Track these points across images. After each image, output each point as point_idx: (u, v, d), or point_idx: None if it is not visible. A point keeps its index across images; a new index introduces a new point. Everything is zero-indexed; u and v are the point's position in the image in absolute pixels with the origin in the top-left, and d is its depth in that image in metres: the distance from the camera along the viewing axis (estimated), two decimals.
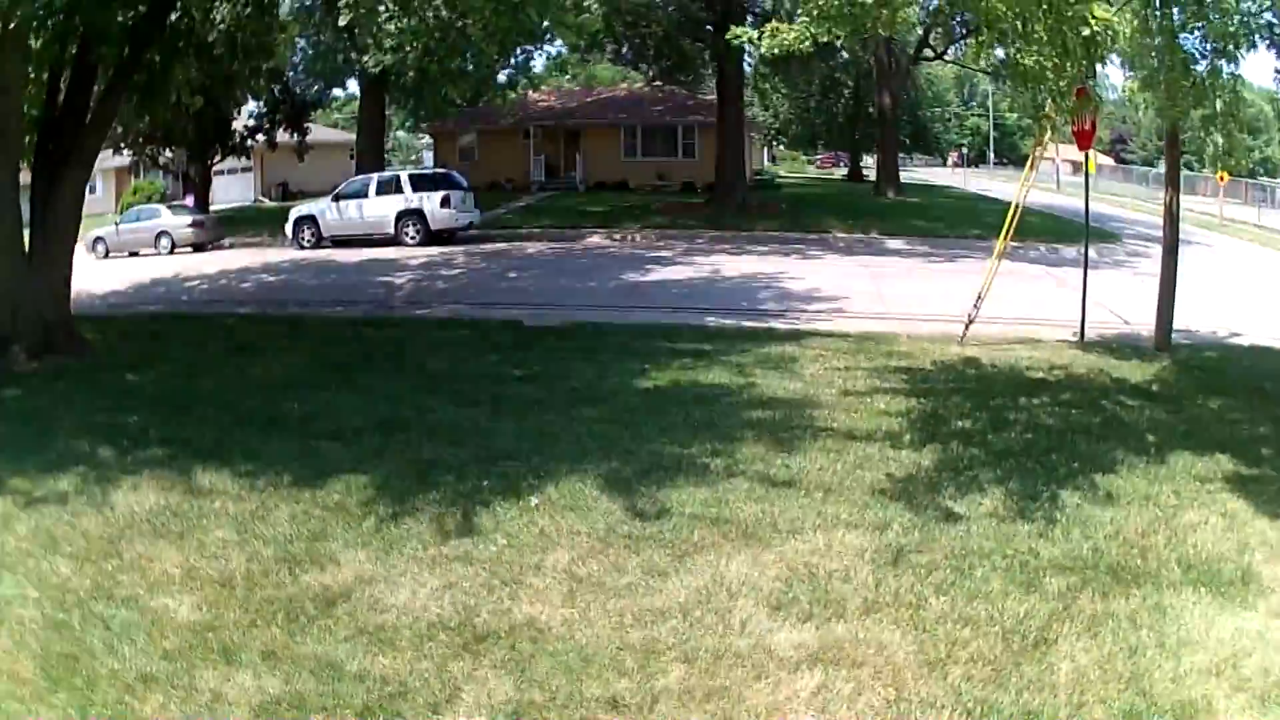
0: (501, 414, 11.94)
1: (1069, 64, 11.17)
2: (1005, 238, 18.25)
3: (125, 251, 38.38)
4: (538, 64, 76.65)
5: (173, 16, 17.55)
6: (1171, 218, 17.69)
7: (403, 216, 34.84)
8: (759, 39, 12.98)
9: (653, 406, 12.36)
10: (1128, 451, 10.88)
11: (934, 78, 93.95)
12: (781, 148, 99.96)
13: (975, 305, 17.68)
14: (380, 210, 35.16)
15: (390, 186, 35.78)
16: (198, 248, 37.66)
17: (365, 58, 34.28)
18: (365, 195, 35.73)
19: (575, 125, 54.60)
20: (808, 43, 12.24)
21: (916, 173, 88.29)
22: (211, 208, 48.74)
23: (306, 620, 7.02)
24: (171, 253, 37.22)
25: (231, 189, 59.79)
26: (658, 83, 50.98)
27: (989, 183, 74.52)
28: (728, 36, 14.56)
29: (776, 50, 12.71)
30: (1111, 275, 26.05)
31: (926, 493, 9.48)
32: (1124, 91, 15.00)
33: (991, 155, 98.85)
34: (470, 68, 34.15)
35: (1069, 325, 18.25)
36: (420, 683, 6.23)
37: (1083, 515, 9.11)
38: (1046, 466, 10.34)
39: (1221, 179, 51.01)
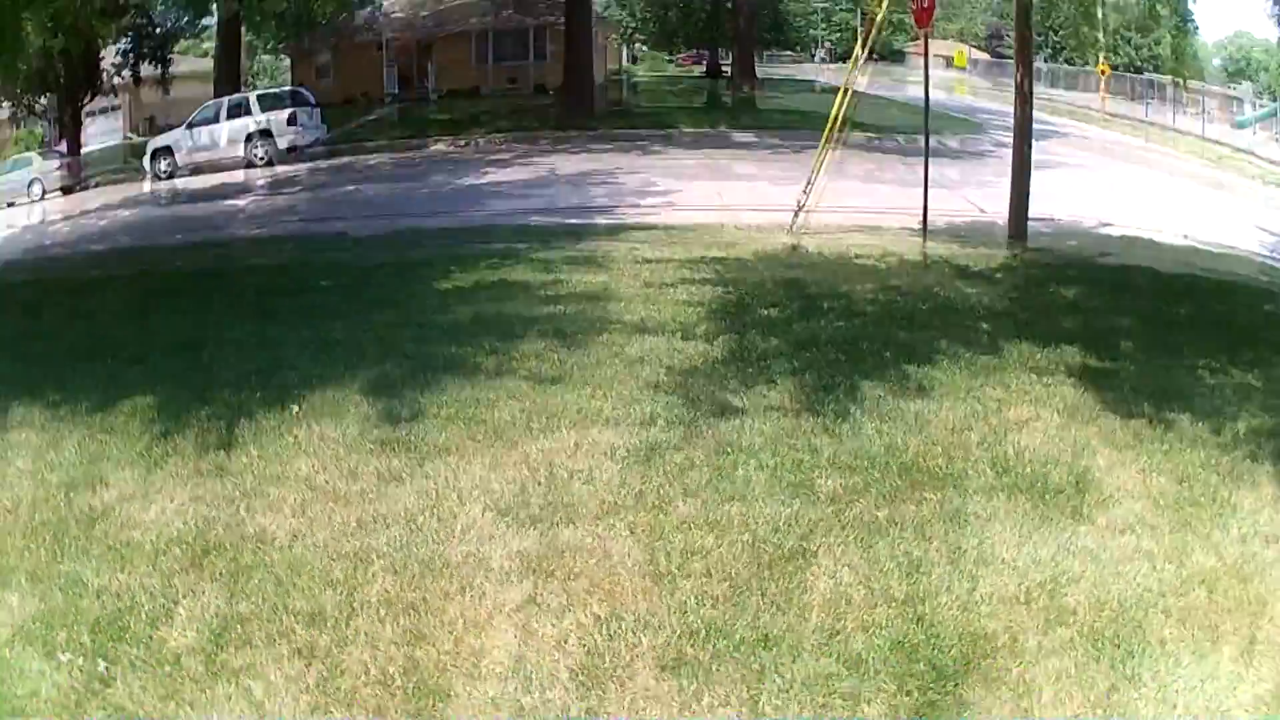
0: (296, 325, 11.42)
1: None
2: (832, 126, 17.59)
3: (3, 203, 36.80)
4: None
5: None
6: (1023, 97, 16.85)
7: (252, 137, 33.91)
8: None
9: (445, 307, 11.87)
10: (954, 341, 9.97)
11: None
12: (645, 48, 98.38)
13: (804, 191, 17.00)
14: (231, 133, 34.28)
15: (240, 109, 34.96)
16: (67, 190, 36.62)
17: None
18: (217, 120, 34.81)
19: (427, 35, 52.62)
20: None
21: (783, 69, 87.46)
22: (84, 149, 46.47)
23: (69, 541, 6.85)
24: (44, 198, 36.02)
25: (102, 128, 55.31)
26: None
27: (854, 77, 73.71)
28: None
29: None
30: (974, 165, 25.79)
31: (705, 386, 8.72)
32: None
33: (859, 50, 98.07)
34: None
35: (918, 215, 17.41)
36: (147, 597, 6.07)
37: (883, 409, 8.17)
38: (853, 356, 9.42)
39: (1103, 72, 50.85)
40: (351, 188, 26.82)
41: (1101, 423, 8.06)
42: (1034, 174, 23.60)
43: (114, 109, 55.94)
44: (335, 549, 6.43)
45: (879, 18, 17.43)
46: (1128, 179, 26.01)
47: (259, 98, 35.77)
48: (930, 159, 26.15)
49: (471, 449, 7.64)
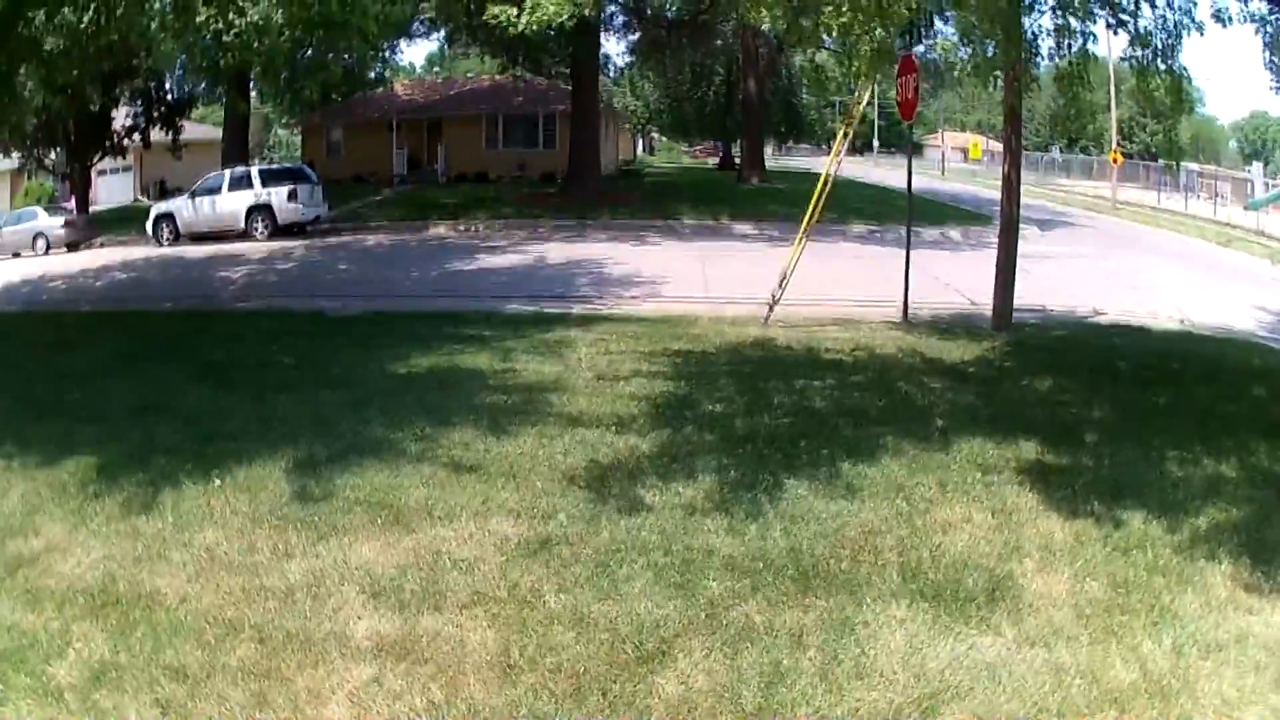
0: (248, 398, 11.78)
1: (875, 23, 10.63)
2: (811, 216, 17.29)
3: (9, 253, 37.80)
4: (416, 56, 75.10)
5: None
6: (1010, 190, 16.62)
7: (253, 211, 34.37)
8: (518, 16, 11.98)
9: (394, 390, 12.01)
10: (903, 437, 9.64)
11: (822, 65, 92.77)
12: (664, 138, 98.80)
13: (780, 285, 16.69)
14: (232, 205, 34.68)
15: (242, 182, 35.24)
16: (72, 247, 37.19)
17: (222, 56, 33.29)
18: (219, 191, 35.20)
19: (437, 117, 53.08)
20: (566, 15, 11.38)
21: (798, 160, 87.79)
22: (94, 207, 48.26)
23: None
24: (47, 253, 36.82)
25: (115, 188, 59.15)
26: (518, 73, 49.77)
27: (868, 169, 73.82)
28: (485, 16, 13.38)
29: (536, 26, 11.79)
30: (972, 257, 25.48)
31: (622, 481, 8.60)
32: (939, 50, 14.21)
33: (876, 142, 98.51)
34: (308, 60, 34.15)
35: (911, 306, 17.14)
36: (46, 637, 6.53)
37: (800, 509, 7.85)
38: (788, 454, 9.12)
39: (1115, 160, 50.62)
40: (344, 267, 26.86)
41: (1040, 524, 7.62)
42: (1034, 264, 23.45)
43: (126, 169, 58.50)
44: (215, 614, 6.67)
45: (858, 110, 17.04)
46: (1130, 266, 25.48)
47: (261, 172, 36.12)
48: (930, 250, 26.01)
49: (367, 532, 7.78)
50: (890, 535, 7.34)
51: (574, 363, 13.14)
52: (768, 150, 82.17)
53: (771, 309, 16.46)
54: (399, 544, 7.55)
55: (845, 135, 17.76)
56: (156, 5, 17.25)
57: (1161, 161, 44.95)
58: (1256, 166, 50.07)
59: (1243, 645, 5.95)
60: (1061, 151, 79.71)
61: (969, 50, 12.52)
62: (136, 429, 10.58)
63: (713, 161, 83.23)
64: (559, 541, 7.42)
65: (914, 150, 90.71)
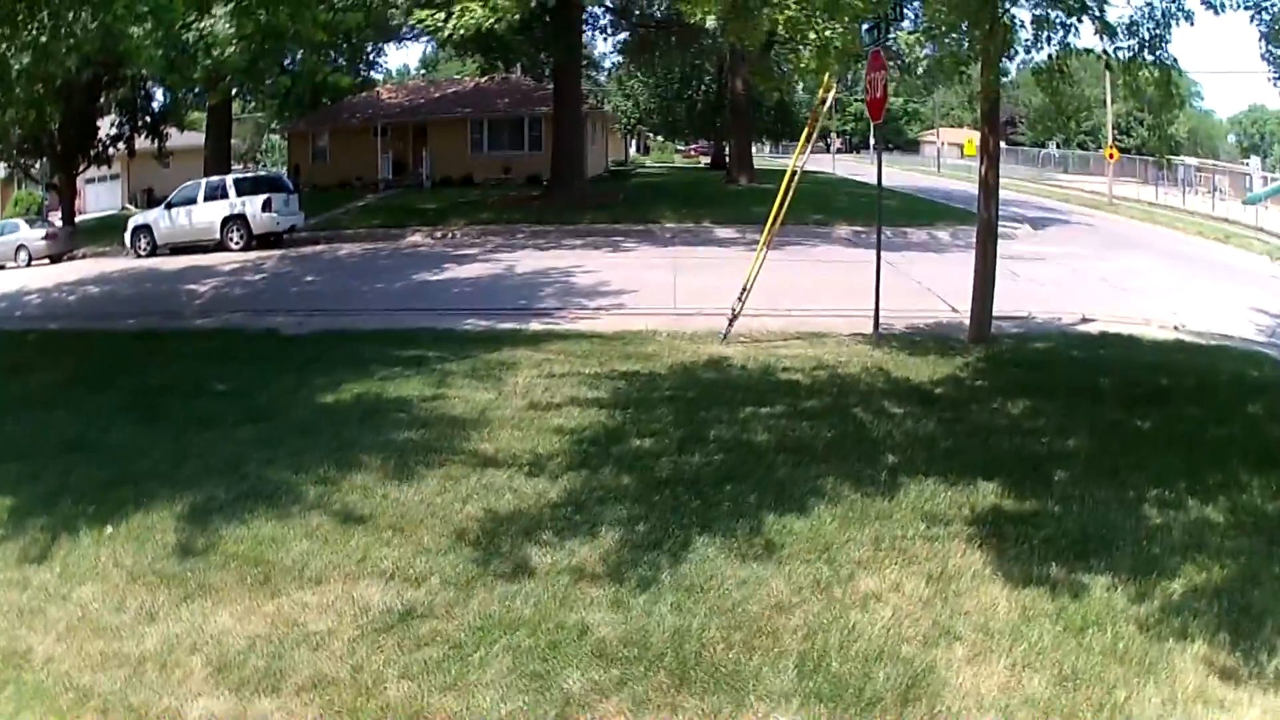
0: (170, 433, 11.47)
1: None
2: (773, 221, 16.68)
3: None
4: (410, 59, 74.85)
5: None
6: (988, 191, 15.71)
7: (228, 222, 34.17)
8: (445, 21, 11.21)
9: (312, 425, 11.57)
10: (845, 479, 8.74)
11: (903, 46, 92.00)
12: (659, 138, 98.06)
13: (739, 298, 15.95)
14: (208, 216, 34.56)
15: (217, 192, 35.07)
16: (54, 259, 37.22)
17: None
18: (195, 201, 35.11)
19: (422, 121, 52.46)
20: (491, 21, 10.61)
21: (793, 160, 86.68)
22: (81, 216, 48.63)
23: None
24: (29, 265, 36.71)
25: (103, 197, 59.79)
26: (501, 75, 49.23)
27: (861, 166, 72.92)
28: (412, 20, 12.68)
29: (463, 31, 11.05)
30: (958, 259, 24.20)
31: (515, 536, 8.00)
32: (902, 44, 13.40)
33: (872, 140, 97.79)
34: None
35: (886, 315, 16.33)
36: None
37: (702, 575, 7.00)
38: (709, 501, 8.27)
39: (1111, 156, 49.70)
40: (310, 279, 26.34)
41: (983, 593, 6.65)
42: (1025, 266, 22.60)
43: (114, 178, 58.84)
44: (71, 680, 6.47)
45: (822, 109, 16.15)
46: (1123, 267, 24.51)
47: (236, 182, 35.88)
48: (916, 252, 25.07)
49: (233, 594, 7.43)
50: (799, 612, 6.43)
51: (509, 389, 12.54)
52: (765, 150, 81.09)
53: (731, 324, 15.67)
54: (260, 609, 7.17)
55: (808, 137, 16.84)
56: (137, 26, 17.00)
57: (1111, 169, 43.70)
58: (1255, 161, 49.07)
59: None
60: (1059, 147, 78.69)
61: (934, 46, 11.69)
62: (57, 467, 10.34)
63: (706, 160, 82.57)
64: (423, 613, 6.91)
65: (910, 147, 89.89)
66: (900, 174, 57.57)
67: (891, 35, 15.32)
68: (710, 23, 12.00)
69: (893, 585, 6.75)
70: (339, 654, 6.52)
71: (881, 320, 16.13)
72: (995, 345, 14.80)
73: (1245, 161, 53.53)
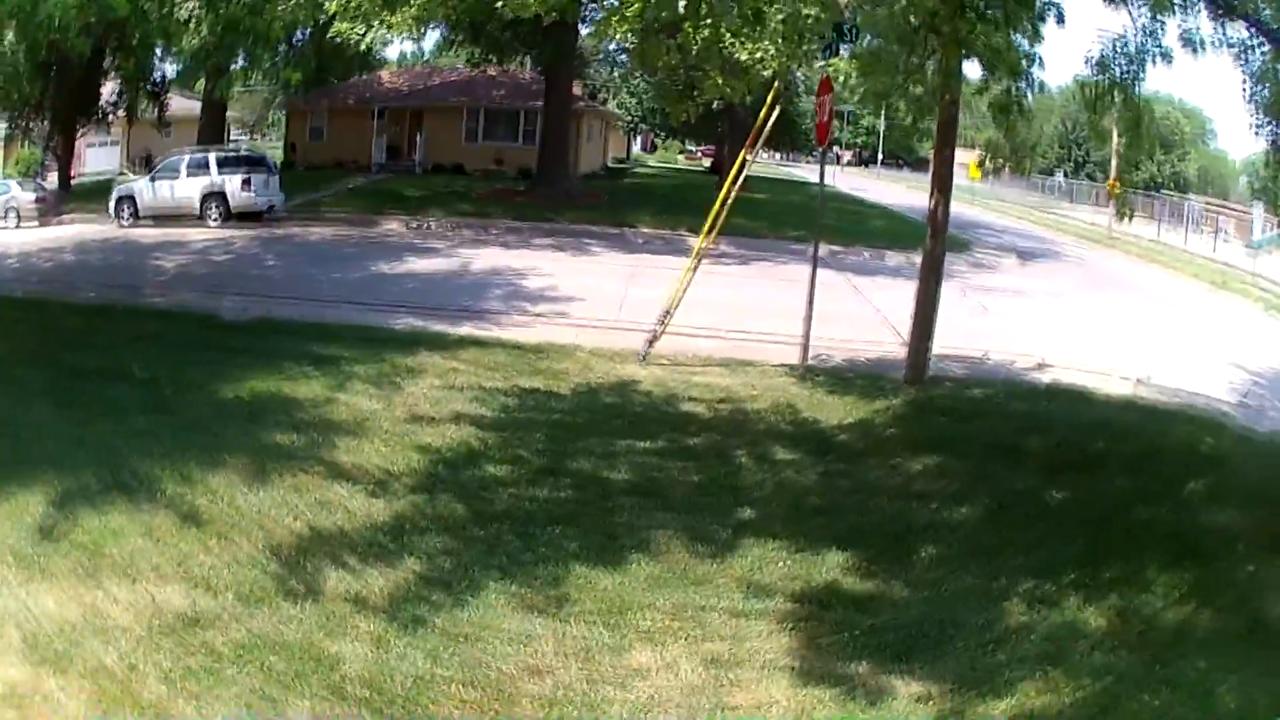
0: (77, 419, 11.59)
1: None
2: (706, 236, 16.55)
3: None
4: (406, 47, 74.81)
5: None
6: (935, 227, 14.96)
7: (208, 197, 34.65)
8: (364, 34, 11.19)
9: (202, 421, 11.68)
10: (684, 532, 8.52)
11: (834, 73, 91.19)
12: (669, 138, 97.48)
13: (661, 320, 15.62)
14: (188, 190, 35.01)
15: (199, 167, 35.44)
16: (43, 221, 37.25)
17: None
18: (177, 175, 35.54)
19: (419, 106, 52.47)
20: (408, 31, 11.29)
21: (797, 170, 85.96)
22: (80, 177, 48.52)
23: None
24: (18, 226, 36.65)
25: (102, 160, 59.18)
26: (500, 68, 49.77)
27: (866, 181, 72.31)
28: (331, 32, 12.47)
29: (380, 44, 10.98)
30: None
31: (322, 558, 8.12)
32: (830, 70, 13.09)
33: (880, 155, 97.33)
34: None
35: (829, 345, 15.98)
36: None
37: (475, 624, 7.11)
38: (527, 542, 8.21)
39: (1112, 188, 48.91)
40: (272, 263, 26.24)
41: (763, 688, 6.30)
42: (1001, 300, 22.14)
43: (114, 144, 59.02)
44: None
45: (772, 117, 15.63)
46: (1104, 310, 23.82)
47: (218, 159, 36.07)
48: (886, 279, 24.57)
49: (65, 580, 7.68)
50: (551, 679, 6.19)
51: (401, 399, 12.49)
52: (772, 158, 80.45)
53: (651, 344, 15.33)
54: (80, 598, 7.47)
55: (743, 160, 16.48)
56: None
57: (1113, 203, 42.32)
58: (1258, 207, 48.05)
59: None
60: (1065, 177, 77.98)
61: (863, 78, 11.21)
62: None
63: (709, 163, 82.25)
64: (206, 623, 7.15)
65: (921, 165, 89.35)
66: (903, 193, 56.65)
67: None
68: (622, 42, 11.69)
69: (667, 664, 6.37)
70: (123, 649, 6.79)
71: (821, 351, 15.66)
72: (930, 389, 14.06)
73: (1250, 206, 52.54)
